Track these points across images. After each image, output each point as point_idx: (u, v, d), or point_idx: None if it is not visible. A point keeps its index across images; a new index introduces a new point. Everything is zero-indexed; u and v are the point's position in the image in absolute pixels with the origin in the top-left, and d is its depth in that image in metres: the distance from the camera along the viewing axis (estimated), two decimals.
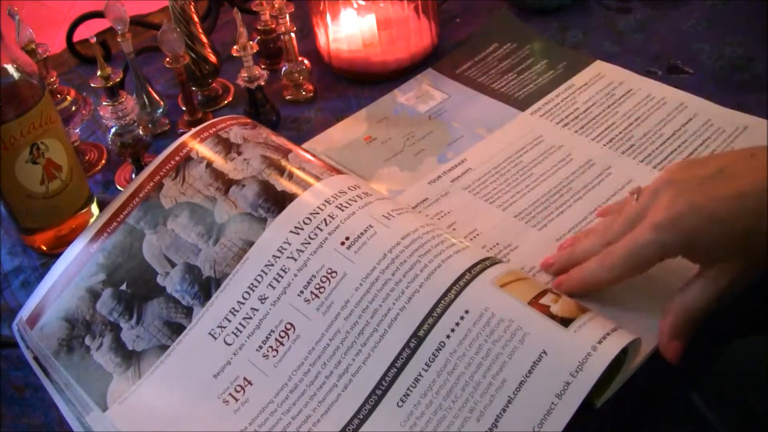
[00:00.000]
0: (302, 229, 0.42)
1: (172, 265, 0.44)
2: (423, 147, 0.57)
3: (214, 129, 0.49)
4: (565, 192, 0.50)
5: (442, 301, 0.37)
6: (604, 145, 0.54)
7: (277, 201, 0.43)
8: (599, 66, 0.62)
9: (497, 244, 0.47)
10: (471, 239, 0.48)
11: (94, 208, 0.54)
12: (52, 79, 0.61)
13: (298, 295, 0.40)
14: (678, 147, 0.53)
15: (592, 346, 0.34)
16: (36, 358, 0.44)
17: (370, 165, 0.56)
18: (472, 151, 0.55)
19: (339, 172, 0.46)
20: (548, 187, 0.51)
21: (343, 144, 0.58)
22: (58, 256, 0.47)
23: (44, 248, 0.53)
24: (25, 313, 0.46)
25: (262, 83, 0.60)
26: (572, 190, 0.51)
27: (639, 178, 0.50)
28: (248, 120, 0.51)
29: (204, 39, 0.63)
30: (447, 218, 0.50)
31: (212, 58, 0.63)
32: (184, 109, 0.63)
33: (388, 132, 0.59)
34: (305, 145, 0.58)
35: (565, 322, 0.36)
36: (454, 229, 0.49)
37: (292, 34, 0.63)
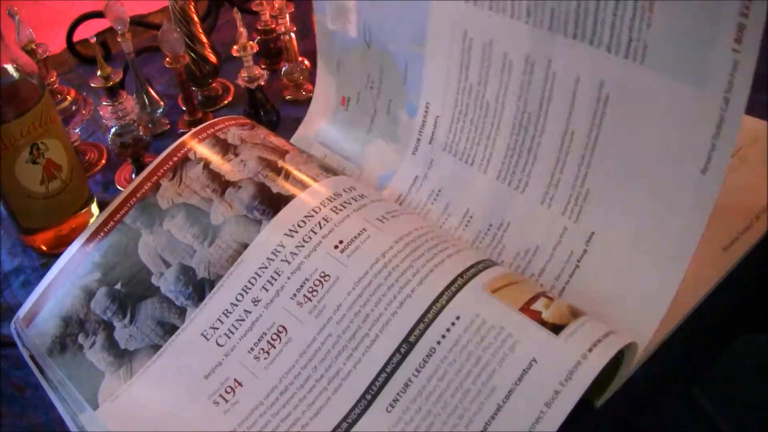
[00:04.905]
0: (296, 231, 0.42)
1: (167, 265, 0.44)
2: (387, 96, 0.54)
3: (213, 129, 0.49)
4: (526, 122, 0.44)
5: (434, 307, 0.37)
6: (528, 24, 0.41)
7: (272, 203, 0.43)
8: None
9: (491, 225, 0.46)
10: (466, 225, 0.47)
11: (94, 208, 0.55)
12: (52, 79, 0.61)
13: (291, 298, 0.40)
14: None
15: (582, 354, 0.34)
16: (32, 357, 0.44)
17: (356, 140, 0.55)
18: (425, 89, 0.51)
19: (336, 173, 0.46)
20: (509, 122, 0.45)
21: (327, 120, 0.57)
22: (58, 256, 0.48)
23: (44, 248, 0.53)
24: (22, 311, 0.47)
25: (262, 83, 0.60)
26: (531, 116, 0.43)
27: (589, 72, 0.39)
28: (247, 120, 0.51)
29: (204, 39, 0.63)
30: (440, 199, 0.49)
31: (212, 58, 0.63)
32: (184, 109, 0.63)
33: (349, 82, 0.56)
34: (297, 135, 0.58)
35: (557, 328, 0.35)
36: (449, 214, 0.48)
37: (292, 34, 0.63)
